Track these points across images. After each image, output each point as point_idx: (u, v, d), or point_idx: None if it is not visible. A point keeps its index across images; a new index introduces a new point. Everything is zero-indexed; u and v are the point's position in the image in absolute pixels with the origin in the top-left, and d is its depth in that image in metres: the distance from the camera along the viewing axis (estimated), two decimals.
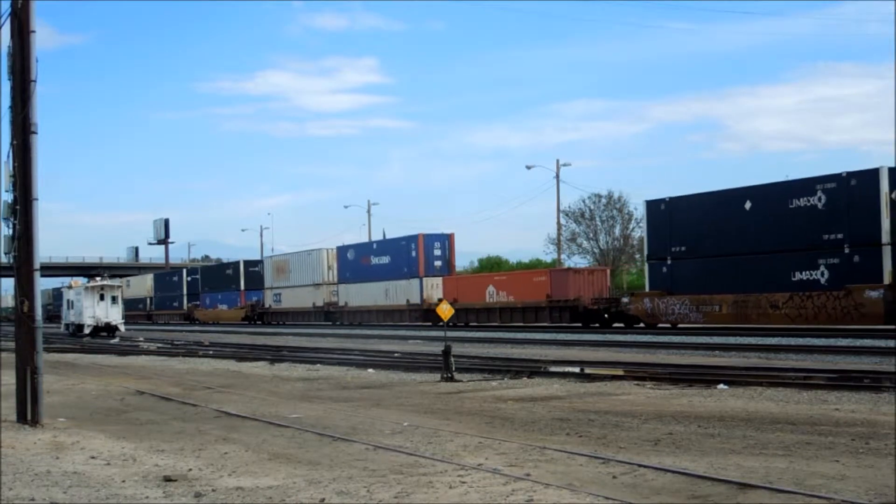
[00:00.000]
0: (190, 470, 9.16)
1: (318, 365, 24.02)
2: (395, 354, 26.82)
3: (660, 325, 38.34)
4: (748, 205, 34.21)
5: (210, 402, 15.43)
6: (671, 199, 38.07)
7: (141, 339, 45.64)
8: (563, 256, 70.86)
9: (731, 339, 29.20)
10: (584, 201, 75.85)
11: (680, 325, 36.97)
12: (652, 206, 38.84)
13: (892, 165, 30.06)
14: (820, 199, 31.57)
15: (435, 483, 8.16)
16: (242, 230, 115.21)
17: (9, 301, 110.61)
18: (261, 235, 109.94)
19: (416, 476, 8.50)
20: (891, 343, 23.52)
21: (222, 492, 8.07)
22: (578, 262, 71.92)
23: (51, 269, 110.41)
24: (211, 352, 32.33)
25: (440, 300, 24.86)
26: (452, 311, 21.64)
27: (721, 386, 15.89)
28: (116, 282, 61.31)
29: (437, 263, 55.04)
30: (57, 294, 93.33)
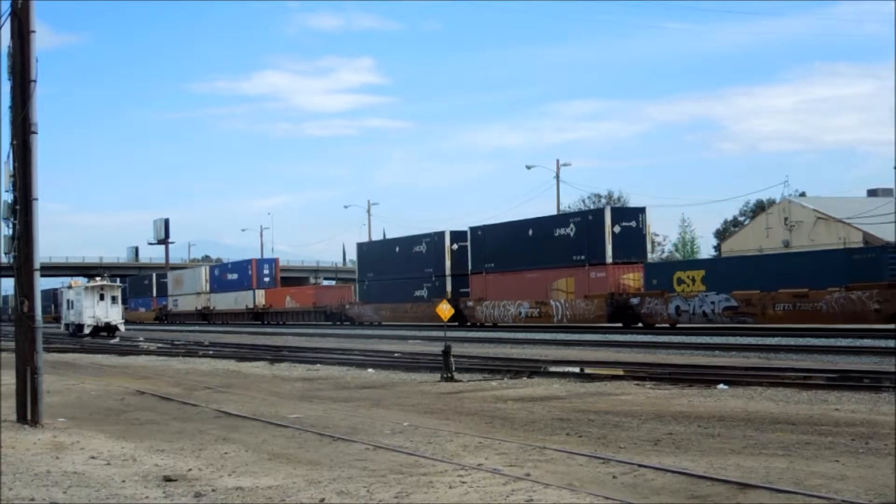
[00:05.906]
0: (190, 470, 9.16)
1: (318, 365, 24.01)
2: (395, 354, 26.82)
3: (368, 323, 58.94)
4: (397, 249, 56.91)
5: (210, 402, 15.43)
6: (368, 243, 65.41)
7: (141, 339, 45.66)
8: None
9: (731, 339, 29.28)
10: (584, 201, 75.94)
11: (382, 324, 56.80)
12: (359, 246, 62.66)
13: (454, 229, 52.61)
14: (424, 248, 53.73)
15: (435, 483, 8.16)
16: (242, 230, 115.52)
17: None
18: (261, 235, 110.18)
19: (416, 476, 8.50)
20: (891, 343, 23.54)
21: (222, 492, 8.07)
22: None
23: (51, 269, 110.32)
24: (211, 352, 32.32)
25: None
26: (452, 311, 21.82)
27: (721, 386, 15.88)
28: (116, 282, 61.36)
29: (267, 279, 77.14)
30: (46, 295, 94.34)
